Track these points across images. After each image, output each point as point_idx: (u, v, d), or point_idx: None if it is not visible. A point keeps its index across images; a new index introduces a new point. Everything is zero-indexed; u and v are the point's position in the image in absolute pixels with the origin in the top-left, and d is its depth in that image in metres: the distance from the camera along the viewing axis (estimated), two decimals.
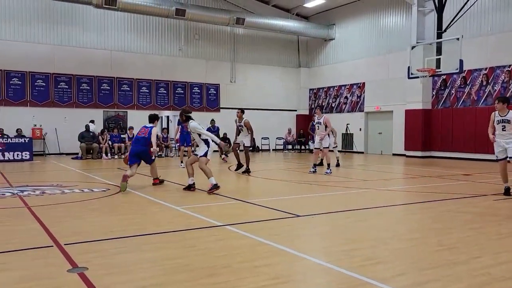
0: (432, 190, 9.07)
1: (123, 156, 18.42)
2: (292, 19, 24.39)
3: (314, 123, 12.69)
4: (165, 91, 22.25)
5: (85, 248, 4.47)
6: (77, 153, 18.18)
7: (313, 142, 13.77)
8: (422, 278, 3.64)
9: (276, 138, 24.39)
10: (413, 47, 16.70)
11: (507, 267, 3.95)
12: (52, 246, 4.51)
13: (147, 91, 21.76)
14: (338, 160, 14.54)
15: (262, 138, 24.44)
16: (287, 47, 25.93)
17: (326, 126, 12.21)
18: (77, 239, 4.78)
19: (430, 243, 4.78)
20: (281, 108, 25.42)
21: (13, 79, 18.87)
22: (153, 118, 9.64)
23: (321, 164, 13.78)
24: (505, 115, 8.20)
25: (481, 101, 17.61)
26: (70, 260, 4.02)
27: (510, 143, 8.08)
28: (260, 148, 24.45)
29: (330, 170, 12.26)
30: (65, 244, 4.53)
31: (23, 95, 19.04)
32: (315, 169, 12.50)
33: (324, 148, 12.27)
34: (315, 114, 13.07)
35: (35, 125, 18.88)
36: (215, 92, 23.68)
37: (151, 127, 9.31)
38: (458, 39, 14.47)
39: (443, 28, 16.31)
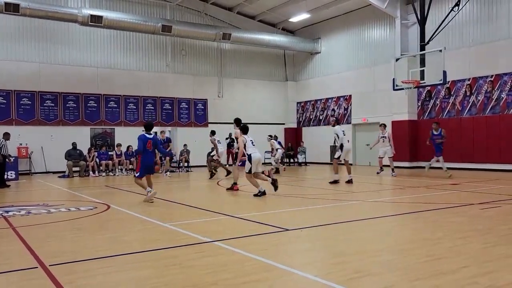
0: (420, 200, 9.12)
1: (111, 173, 18.27)
2: (278, 34, 24.64)
3: (380, 137, 15.63)
4: (152, 107, 22.21)
5: (70, 269, 4.39)
6: (64, 171, 17.97)
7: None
8: None
9: (265, 152, 24.39)
10: (397, 59, 16.96)
11: (494, 275, 3.96)
12: (37, 267, 4.42)
13: (135, 107, 21.70)
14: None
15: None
16: (273, 61, 26.14)
17: (389, 140, 15.40)
18: (62, 260, 4.70)
19: (419, 253, 4.79)
20: (269, 121, 25.49)
21: None
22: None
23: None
24: None
25: (466, 111, 17.87)
26: (55, 281, 3.94)
27: None
28: None
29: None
30: (50, 265, 4.45)
31: (8, 114, 18.84)
32: (380, 171, 15.59)
33: (390, 157, 15.37)
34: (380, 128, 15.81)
35: (21, 144, 18.65)
36: (203, 107, 23.70)
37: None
38: (440, 50, 14.72)
39: (426, 40, 16.60)
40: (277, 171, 16.77)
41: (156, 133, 13.75)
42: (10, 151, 14.25)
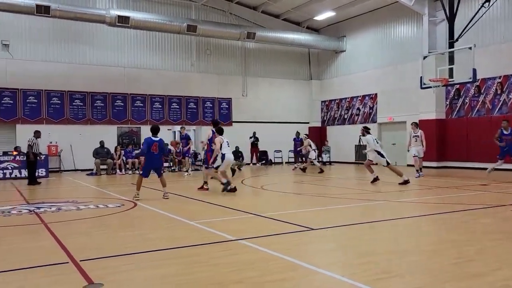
0: (448, 201, 8.93)
1: (137, 172, 18.56)
2: (303, 32, 24.51)
3: (412, 136, 15.02)
4: (177, 106, 22.45)
5: (99, 264, 4.49)
6: (92, 169, 18.37)
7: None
8: None
9: (289, 151, 24.32)
10: (425, 57, 16.64)
11: None
12: (67, 262, 4.54)
13: (160, 106, 21.98)
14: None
15: (274, 151, 24.43)
16: (298, 60, 26.03)
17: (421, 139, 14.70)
18: (91, 255, 4.81)
19: (448, 255, 4.69)
20: (293, 120, 25.41)
21: (29, 98, 19.24)
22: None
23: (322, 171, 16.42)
24: None
25: (496, 110, 17.39)
26: (86, 276, 4.03)
27: None
28: (273, 161, 24.41)
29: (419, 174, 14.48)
30: (80, 261, 4.56)
31: (39, 113, 19.38)
32: (419, 174, 14.57)
33: (420, 157, 14.81)
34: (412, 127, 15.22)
35: (51, 142, 19.16)
36: (227, 106, 23.81)
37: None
38: (470, 48, 14.37)
39: (455, 37, 16.22)
40: (321, 170, 17.19)
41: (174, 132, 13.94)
42: (40, 149, 14.71)
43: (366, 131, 12.91)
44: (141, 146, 9.99)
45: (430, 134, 19.17)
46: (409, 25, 20.93)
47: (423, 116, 19.54)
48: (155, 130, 9.85)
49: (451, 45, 16.23)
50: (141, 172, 10.07)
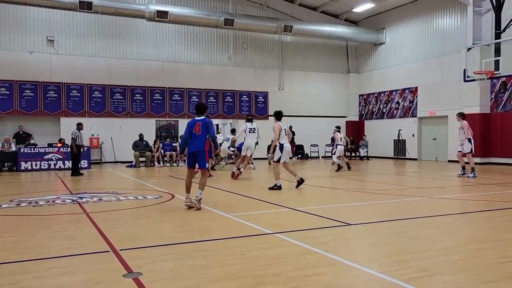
0: (492, 198, 8.60)
1: (174, 164, 18.90)
2: (341, 25, 24.12)
3: (459, 128, 13.26)
4: (214, 100, 22.65)
5: (138, 254, 4.60)
6: (131, 161, 18.85)
7: None
8: None
9: (326, 145, 24.09)
10: (469, 49, 16.06)
11: None
12: (108, 251, 4.69)
13: (197, 100, 22.24)
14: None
15: (311, 145, 24.28)
16: (335, 53, 25.66)
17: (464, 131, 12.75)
18: (131, 245, 4.94)
19: (491, 254, 4.52)
20: (330, 114, 25.12)
21: (72, 91, 19.92)
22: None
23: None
24: None
25: None
26: (125, 265, 4.15)
27: None
28: (309, 156, 24.26)
29: (474, 173, 12.48)
30: (120, 250, 4.69)
31: (81, 106, 20.04)
32: (463, 172, 12.82)
33: (467, 153, 12.68)
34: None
35: (93, 135, 19.80)
36: (263, 100, 23.81)
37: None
38: None
39: (502, 28, 15.56)
40: (338, 168, 15.37)
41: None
42: (83, 141, 15.27)
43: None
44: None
45: (474, 129, 18.38)
46: (452, 16, 20.18)
47: (466, 110, 18.77)
48: (200, 109, 7.75)
49: (497, 36, 15.58)
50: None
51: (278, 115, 10.04)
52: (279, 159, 9.92)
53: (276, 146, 9.92)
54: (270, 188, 9.86)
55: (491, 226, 6.04)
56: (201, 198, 7.41)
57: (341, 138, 15.97)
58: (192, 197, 7.41)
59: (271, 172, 14.15)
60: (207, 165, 7.73)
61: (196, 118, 7.64)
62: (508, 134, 17.78)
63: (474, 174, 12.45)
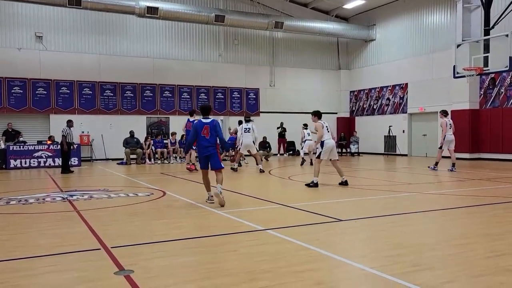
0: (481, 193, 8.69)
1: (166, 161, 18.84)
2: (332, 21, 24.15)
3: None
4: (205, 96, 22.58)
5: (130, 251, 4.59)
6: (122, 159, 18.75)
7: None
8: (473, 286, 3.49)
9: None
10: (458, 46, 16.14)
11: None
12: (100, 249, 4.66)
13: (188, 96, 22.16)
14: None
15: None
16: (326, 49, 25.70)
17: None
18: (122, 242, 4.92)
19: (480, 249, 4.57)
20: (321, 111, 25.03)
21: (62, 88, 19.73)
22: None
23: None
24: None
25: None
26: (117, 262, 4.13)
27: None
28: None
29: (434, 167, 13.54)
30: (111, 247, 4.67)
31: (71, 103, 19.87)
32: (453, 168, 13.15)
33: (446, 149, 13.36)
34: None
35: (83, 132, 19.65)
36: (254, 96, 23.79)
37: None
38: (507, 35, 13.84)
39: (491, 24, 15.65)
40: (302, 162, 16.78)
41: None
42: (73, 138, 15.16)
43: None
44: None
45: (463, 124, 18.68)
46: (441, 13, 20.31)
47: (456, 107, 19.01)
48: (205, 110, 7.63)
49: (486, 32, 15.68)
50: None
51: (319, 114, 10.30)
52: (320, 155, 10.01)
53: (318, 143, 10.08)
54: (306, 185, 9.85)
55: (480, 221, 6.11)
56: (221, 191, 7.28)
57: (308, 133, 16.85)
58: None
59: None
60: (222, 165, 7.77)
61: (203, 120, 7.57)
62: (496, 130, 17.97)
63: (434, 167, 13.53)
